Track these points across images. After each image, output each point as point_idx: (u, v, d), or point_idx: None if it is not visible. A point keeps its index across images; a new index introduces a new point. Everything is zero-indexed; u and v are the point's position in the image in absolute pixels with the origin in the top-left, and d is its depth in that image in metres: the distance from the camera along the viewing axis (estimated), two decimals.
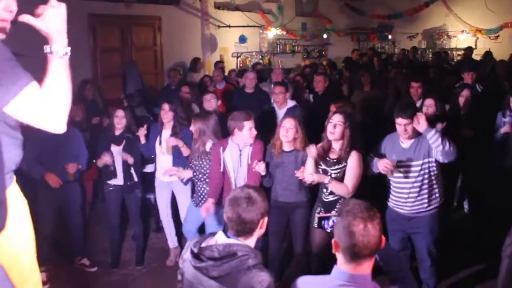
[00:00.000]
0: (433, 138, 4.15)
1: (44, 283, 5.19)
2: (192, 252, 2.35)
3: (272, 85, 7.27)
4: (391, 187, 4.55)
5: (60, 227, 5.68)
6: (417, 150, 4.35)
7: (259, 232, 2.45)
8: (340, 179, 4.40)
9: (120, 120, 5.65)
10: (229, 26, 12.76)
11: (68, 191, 5.47)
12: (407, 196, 4.43)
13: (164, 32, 10.87)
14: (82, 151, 5.58)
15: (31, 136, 5.22)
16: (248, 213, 2.37)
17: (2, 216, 1.03)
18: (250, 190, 2.45)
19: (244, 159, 4.82)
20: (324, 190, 4.53)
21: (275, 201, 4.82)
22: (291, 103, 6.41)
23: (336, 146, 4.46)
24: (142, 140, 5.67)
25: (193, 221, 5.26)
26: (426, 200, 4.41)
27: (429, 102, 5.67)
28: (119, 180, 5.68)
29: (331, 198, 4.48)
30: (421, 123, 4.18)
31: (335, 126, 4.38)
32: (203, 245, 2.37)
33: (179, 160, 5.51)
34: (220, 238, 2.37)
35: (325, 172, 4.46)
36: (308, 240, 4.80)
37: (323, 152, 4.49)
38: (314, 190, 4.74)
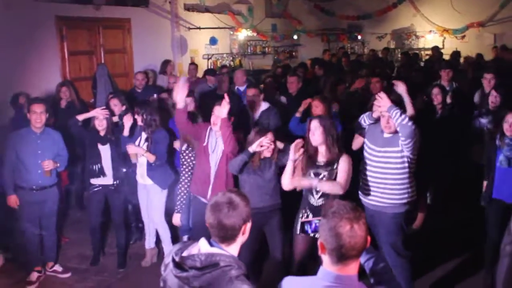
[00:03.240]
0: (396, 114, 4.21)
1: (30, 283, 5.32)
2: (173, 260, 2.27)
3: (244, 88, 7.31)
4: (365, 177, 4.62)
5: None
6: (396, 141, 4.41)
7: (242, 238, 2.35)
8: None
9: (100, 122, 5.63)
10: (199, 28, 12.69)
11: (45, 196, 5.40)
12: (377, 186, 4.50)
13: (134, 35, 10.72)
14: (62, 152, 5.53)
15: (7, 143, 5.19)
16: (229, 218, 2.27)
17: None
18: (232, 195, 2.35)
19: (219, 146, 4.87)
20: (314, 194, 4.46)
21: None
22: (265, 106, 6.38)
23: (322, 148, 4.46)
24: (126, 132, 5.65)
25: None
26: (396, 193, 4.46)
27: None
28: (107, 179, 5.67)
29: (321, 201, 4.43)
30: (383, 100, 4.28)
31: (313, 133, 4.41)
32: (185, 254, 2.27)
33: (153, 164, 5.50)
34: (203, 247, 2.28)
35: (317, 175, 4.43)
36: (287, 246, 4.79)
37: (311, 157, 4.48)
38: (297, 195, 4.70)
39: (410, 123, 4.20)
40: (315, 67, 10.93)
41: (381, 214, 4.55)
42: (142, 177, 5.62)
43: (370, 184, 4.57)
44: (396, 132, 4.39)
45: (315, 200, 4.46)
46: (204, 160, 4.95)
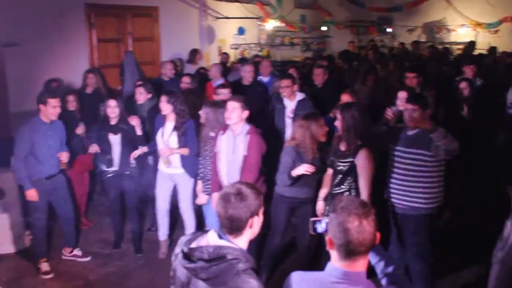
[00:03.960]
0: (438, 137, 4.13)
1: (47, 273, 5.32)
2: (182, 251, 2.28)
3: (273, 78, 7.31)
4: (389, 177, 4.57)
5: (52, 219, 5.71)
6: (419, 140, 4.35)
7: (250, 232, 2.32)
8: (346, 173, 4.36)
9: (113, 110, 5.62)
10: (227, 18, 12.68)
11: (55, 183, 5.42)
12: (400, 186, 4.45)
13: (162, 23, 10.77)
14: (63, 141, 5.55)
15: (21, 135, 5.23)
16: (236, 209, 2.24)
17: None
18: (242, 186, 2.32)
19: (239, 147, 4.75)
20: (334, 184, 4.49)
21: (282, 196, 4.78)
22: (300, 96, 6.35)
23: (344, 138, 4.43)
24: (138, 131, 5.65)
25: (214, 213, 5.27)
26: (419, 195, 4.39)
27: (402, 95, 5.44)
28: (115, 168, 5.71)
29: (337, 190, 4.42)
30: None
31: (337, 122, 4.42)
32: (193, 245, 2.27)
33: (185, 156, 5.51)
34: (212, 239, 2.27)
35: (332, 163, 4.47)
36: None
37: (336, 144, 4.50)
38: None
39: (454, 146, 4.16)
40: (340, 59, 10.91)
41: (405, 215, 4.50)
42: (169, 166, 5.53)
43: (393, 184, 4.53)
44: (418, 131, 4.35)
45: (333, 188, 4.50)
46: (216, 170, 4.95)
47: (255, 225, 2.32)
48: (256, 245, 4.92)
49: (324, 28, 16.54)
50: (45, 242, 5.55)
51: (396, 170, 4.49)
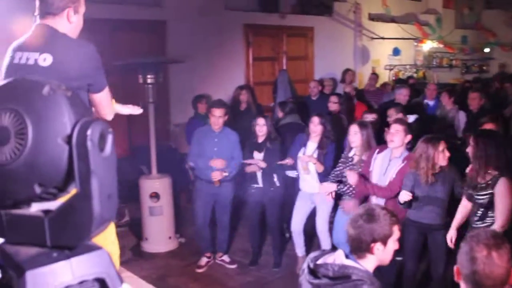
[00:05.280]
0: None
1: (201, 267, 5.76)
2: (308, 267, 2.31)
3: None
4: None
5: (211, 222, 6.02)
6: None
7: (375, 257, 2.29)
8: (487, 206, 4.03)
9: (261, 128, 5.79)
10: (383, 38, 12.53)
11: (219, 189, 5.72)
12: None
13: (316, 42, 10.98)
14: (235, 155, 5.78)
15: (194, 135, 5.78)
16: (357, 229, 2.25)
17: (113, 208, 1.11)
18: (375, 208, 2.33)
19: (391, 170, 4.68)
20: (475, 215, 4.17)
21: (410, 220, 4.62)
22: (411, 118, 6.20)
23: (474, 166, 4.08)
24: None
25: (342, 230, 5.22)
26: None
27: None
28: (259, 185, 5.86)
29: (479, 223, 4.11)
30: None
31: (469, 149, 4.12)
32: (320, 261, 2.29)
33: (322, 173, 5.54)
34: (338, 258, 2.27)
35: (471, 196, 4.17)
36: (450, 264, 4.54)
37: (470, 174, 4.17)
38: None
39: None
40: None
41: None
42: (310, 186, 5.58)
43: None
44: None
45: (474, 221, 4.17)
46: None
47: (381, 252, 2.27)
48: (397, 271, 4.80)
49: (486, 50, 15.61)
50: (209, 239, 5.94)
51: None
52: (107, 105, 2.68)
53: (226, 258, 6.03)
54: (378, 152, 4.83)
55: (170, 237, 6.38)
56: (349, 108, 8.15)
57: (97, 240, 1.12)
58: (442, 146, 4.36)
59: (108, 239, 2.51)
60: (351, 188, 5.03)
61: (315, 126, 5.51)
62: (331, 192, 5.26)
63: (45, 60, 2.40)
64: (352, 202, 4.89)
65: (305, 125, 6.27)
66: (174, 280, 5.63)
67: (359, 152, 5.13)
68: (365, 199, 4.86)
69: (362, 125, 5.14)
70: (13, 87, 1.11)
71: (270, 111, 8.61)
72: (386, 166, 4.74)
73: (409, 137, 4.68)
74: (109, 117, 2.70)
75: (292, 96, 8.60)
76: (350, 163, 5.17)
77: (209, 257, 5.94)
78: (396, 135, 4.64)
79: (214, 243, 6.09)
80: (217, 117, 5.60)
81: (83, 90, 2.53)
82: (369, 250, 2.27)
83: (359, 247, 2.28)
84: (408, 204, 4.43)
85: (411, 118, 6.23)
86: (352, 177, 4.79)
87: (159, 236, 6.31)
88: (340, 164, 5.31)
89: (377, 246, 2.28)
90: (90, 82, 2.55)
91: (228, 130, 5.81)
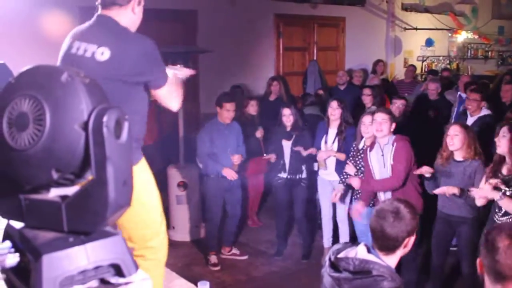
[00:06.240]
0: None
1: (215, 265, 5.69)
2: (329, 259, 2.30)
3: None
4: None
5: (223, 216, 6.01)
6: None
7: (402, 251, 2.29)
8: None
9: (288, 118, 5.84)
10: (416, 29, 12.31)
11: (230, 182, 5.73)
12: None
13: (348, 33, 10.85)
14: (240, 144, 5.92)
15: (200, 137, 5.76)
16: (393, 228, 2.23)
17: (128, 195, 1.12)
18: (400, 205, 2.29)
19: (387, 159, 4.66)
20: (497, 210, 4.03)
21: (439, 211, 4.57)
22: (484, 111, 6.02)
23: (508, 159, 3.97)
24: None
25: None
26: None
27: None
28: (287, 174, 5.86)
29: (504, 219, 3.97)
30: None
31: (499, 139, 3.96)
32: (341, 255, 2.29)
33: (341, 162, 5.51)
34: (360, 252, 2.26)
35: (498, 190, 4.03)
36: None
37: (494, 166, 4.05)
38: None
39: None
40: None
41: None
42: (330, 173, 5.63)
43: None
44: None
45: (498, 218, 4.00)
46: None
47: (410, 244, 2.30)
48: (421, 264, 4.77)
49: None
50: (217, 236, 5.92)
51: None
52: (169, 99, 2.64)
53: (235, 251, 6.03)
54: (370, 150, 4.83)
55: (196, 226, 6.44)
56: (381, 100, 8.05)
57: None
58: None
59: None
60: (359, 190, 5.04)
61: (334, 110, 5.55)
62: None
63: (103, 54, 2.38)
64: (359, 205, 4.85)
65: (323, 116, 6.31)
66: (199, 269, 5.67)
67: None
68: (374, 196, 4.86)
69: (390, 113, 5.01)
70: (33, 74, 1.13)
71: (300, 101, 8.57)
72: (381, 157, 4.72)
73: (394, 125, 4.69)
74: (174, 109, 2.69)
75: (322, 87, 8.56)
76: (360, 156, 5.13)
77: (216, 255, 5.83)
78: (384, 124, 4.64)
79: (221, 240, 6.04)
80: (231, 111, 5.69)
81: (141, 85, 2.53)
82: (404, 246, 2.28)
83: (393, 245, 2.27)
84: (433, 179, 4.44)
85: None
86: (355, 182, 4.83)
87: (186, 225, 6.37)
88: (350, 158, 5.28)
89: (411, 240, 2.30)
90: (148, 79, 2.53)
91: (234, 122, 5.89)
